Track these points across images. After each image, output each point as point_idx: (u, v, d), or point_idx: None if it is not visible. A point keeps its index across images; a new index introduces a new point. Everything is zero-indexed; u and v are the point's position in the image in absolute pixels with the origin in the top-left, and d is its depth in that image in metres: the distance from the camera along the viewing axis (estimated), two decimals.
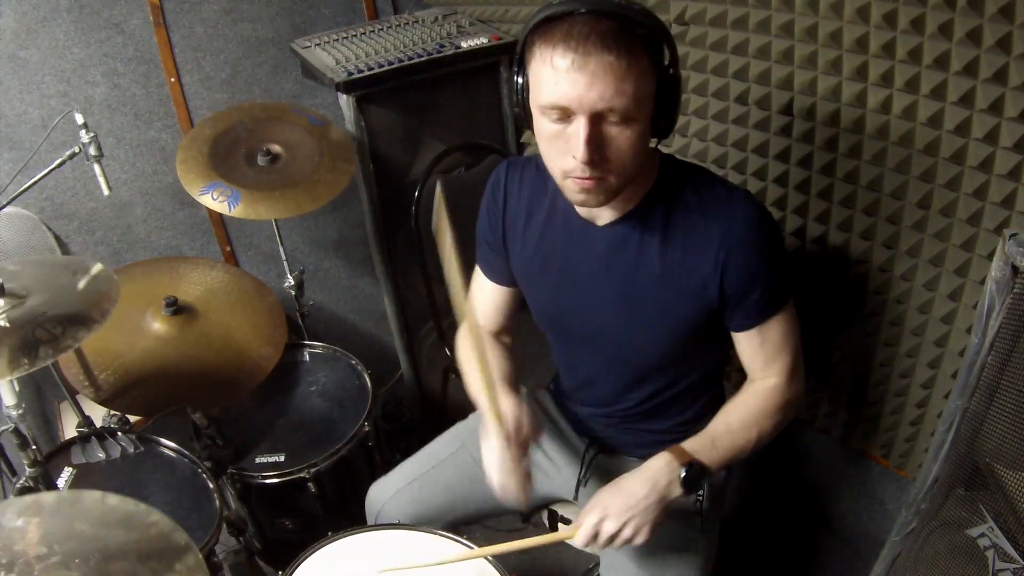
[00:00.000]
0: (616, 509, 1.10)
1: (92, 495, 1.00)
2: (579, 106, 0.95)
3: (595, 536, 1.11)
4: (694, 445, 1.15)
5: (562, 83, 0.95)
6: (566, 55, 0.93)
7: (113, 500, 1.01)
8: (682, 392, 1.30)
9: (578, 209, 1.18)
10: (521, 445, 1.14)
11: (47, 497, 1.02)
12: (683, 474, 1.11)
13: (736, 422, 1.19)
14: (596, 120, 0.96)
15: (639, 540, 1.10)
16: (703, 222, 1.11)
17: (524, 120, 1.08)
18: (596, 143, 0.97)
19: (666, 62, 1.00)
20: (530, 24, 0.99)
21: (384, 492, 1.46)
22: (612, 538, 1.11)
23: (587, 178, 1.01)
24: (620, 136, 0.98)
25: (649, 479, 1.12)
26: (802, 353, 1.21)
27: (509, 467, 1.13)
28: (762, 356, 1.19)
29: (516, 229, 1.28)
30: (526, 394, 1.54)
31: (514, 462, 1.13)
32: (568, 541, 1.18)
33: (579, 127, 0.97)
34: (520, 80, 1.05)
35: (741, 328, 1.17)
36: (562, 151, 1.01)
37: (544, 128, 1.02)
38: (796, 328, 1.18)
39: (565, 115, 0.98)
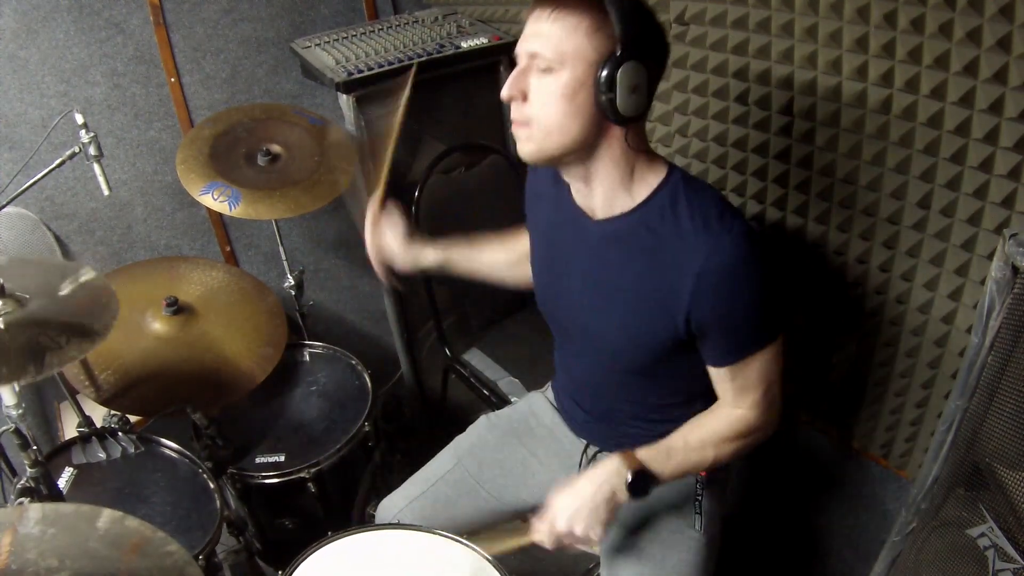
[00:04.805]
0: (565, 510, 1.13)
1: (112, 514, 0.98)
2: (519, 49, 1.07)
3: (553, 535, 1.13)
4: (647, 454, 1.16)
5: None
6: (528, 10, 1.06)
7: (132, 523, 0.98)
8: (668, 401, 1.29)
9: (576, 200, 1.19)
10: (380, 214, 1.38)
11: (66, 508, 1.00)
12: (629, 479, 1.13)
13: (695, 441, 1.19)
14: (526, 63, 1.05)
15: (593, 540, 1.13)
16: (690, 243, 1.07)
17: None
18: (518, 84, 1.06)
19: (626, 39, 1.00)
20: None
21: (388, 512, 1.49)
22: (563, 537, 1.13)
23: (513, 121, 1.09)
24: (540, 84, 1.05)
25: (596, 480, 1.14)
26: (780, 387, 1.19)
27: (371, 228, 1.38)
28: (733, 390, 1.18)
29: (536, 214, 1.33)
30: (526, 397, 1.56)
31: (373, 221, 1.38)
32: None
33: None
34: None
35: (713, 364, 1.17)
36: None
37: None
38: (776, 364, 1.16)
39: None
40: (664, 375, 1.24)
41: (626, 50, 1.01)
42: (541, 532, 1.14)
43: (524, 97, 1.06)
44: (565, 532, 1.12)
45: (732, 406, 1.19)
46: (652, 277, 1.12)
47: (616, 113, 1.03)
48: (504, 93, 1.07)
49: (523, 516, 1.57)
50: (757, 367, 1.14)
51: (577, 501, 1.13)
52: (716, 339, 1.12)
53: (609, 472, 1.14)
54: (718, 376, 1.18)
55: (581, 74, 1.02)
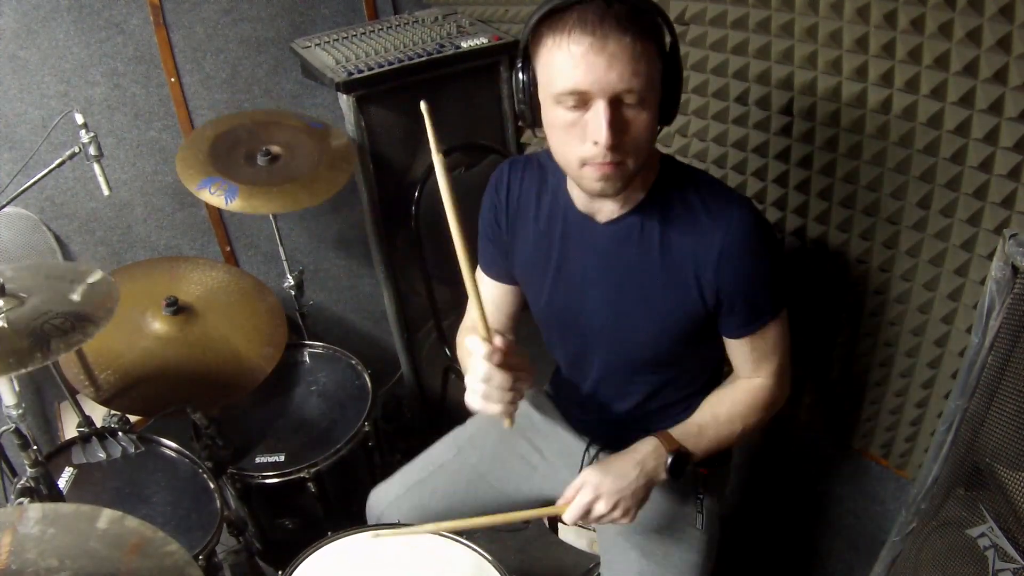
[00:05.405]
0: (608, 490, 1.12)
1: (112, 514, 0.99)
2: (599, 89, 0.96)
3: (585, 513, 1.13)
4: (681, 433, 1.19)
5: (579, 68, 0.95)
6: (583, 39, 0.94)
7: (132, 523, 0.99)
8: (679, 393, 1.30)
9: (579, 206, 1.18)
10: (507, 364, 1.06)
11: (66, 508, 1.00)
12: (669, 461, 1.15)
13: (723, 414, 1.22)
14: (615, 103, 0.97)
15: (626, 520, 1.14)
16: (704, 223, 1.11)
17: (529, 115, 1.08)
18: (617, 126, 0.98)
19: (668, 48, 1.02)
20: (537, 16, 0.99)
21: (384, 497, 1.47)
22: (601, 517, 1.13)
23: (607, 163, 1.01)
24: (637, 119, 0.99)
25: (639, 463, 1.15)
26: (791, 357, 1.23)
27: (496, 381, 1.05)
28: (752, 360, 1.21)
29: (520, 226, 1.28)
30: (528, 394, 1.55)
31: (498, 372, 1.04)
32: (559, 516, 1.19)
33: (599, 111, 0.97)
34: (524, 76, 1.05)
35: (733, 336, 1.19)
36: (579, 138, 1.01)
37: (559, 118, 1.01)
38: (787, 334, 1.20)
39: (583, 101, 0.98)
40: (680, 364, 1.27)
41: (677, 53, 1.03)
42: (575, 508, 1.13)
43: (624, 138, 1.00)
44: (604, 512, 1.12)
45: (750, 377, 1.23)
46: (672, 261, 1.14)
47: (673, 117, 1.06)
48: (609, 143, 0.97)
49: (521, 510, 1.58)
50: (772, 335, 1.18)
51: (621, 483, 1.13)
52: (739, 309, 1.14)
53: (648, 454, 1.16)
54: (737, 348, 1.20)
55: (659, 96, 1.01)
